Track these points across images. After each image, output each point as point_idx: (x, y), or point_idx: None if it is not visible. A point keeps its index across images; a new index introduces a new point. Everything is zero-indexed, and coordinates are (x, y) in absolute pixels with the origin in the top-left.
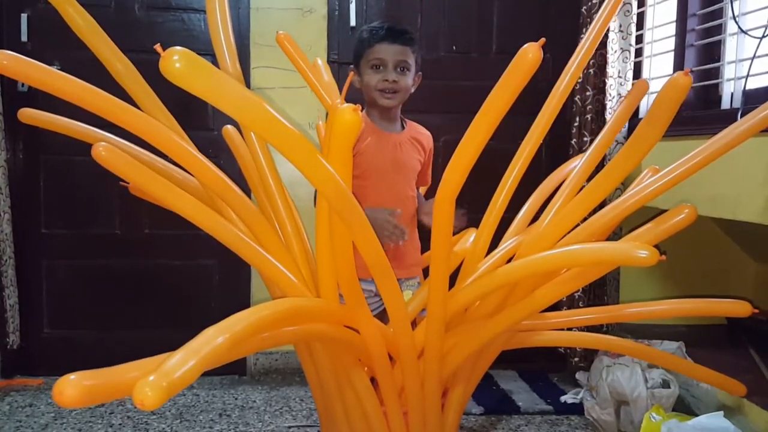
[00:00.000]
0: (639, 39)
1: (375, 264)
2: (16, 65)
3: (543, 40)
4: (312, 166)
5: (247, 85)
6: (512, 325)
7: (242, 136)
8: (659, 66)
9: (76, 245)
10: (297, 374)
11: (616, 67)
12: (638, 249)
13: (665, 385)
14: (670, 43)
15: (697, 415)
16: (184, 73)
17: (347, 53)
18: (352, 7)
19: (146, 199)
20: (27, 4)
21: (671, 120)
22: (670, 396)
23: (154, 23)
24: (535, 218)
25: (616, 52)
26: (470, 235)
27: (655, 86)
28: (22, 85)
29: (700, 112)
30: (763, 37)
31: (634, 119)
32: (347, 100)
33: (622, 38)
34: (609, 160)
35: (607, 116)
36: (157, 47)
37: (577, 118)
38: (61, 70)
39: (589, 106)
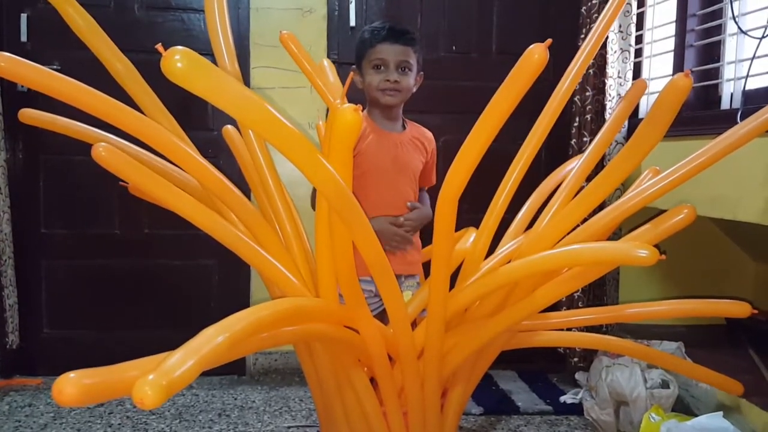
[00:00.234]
0: (639, 39)
1: (375, 264)
2: (14, 67)
3: (549, 41)
4: (312, 166)
5: (247, 85)
6: (512, 325)
7: (242, 136)
8: (659, 66)
9: (76, 245)
10: (296, 374)
11: (616, 67)
12: (638, 248)
13: (664, 385)
14: (670, 44)
15: (696, 416)
16: (185, 73)
17: (347, 53)
18: (352, 7)
19: (146, 199)
20: (27, 4)
21: (671, 121)
22: (670, 396)
23: (154, 23)
24: (535, 219)
25: (615, 52)
26: (470, 235)
27: (655, 87)
28: (22, 85)
29: (700, 112)
30: (763, 37)
31: (634, 120)
32: (349, 100)
33: (622, 38)
34: (608, 160)
35: (607, 117)
36: (159, 47)
37: (577, 119)
38: (60, 70)
39: (589, 107)
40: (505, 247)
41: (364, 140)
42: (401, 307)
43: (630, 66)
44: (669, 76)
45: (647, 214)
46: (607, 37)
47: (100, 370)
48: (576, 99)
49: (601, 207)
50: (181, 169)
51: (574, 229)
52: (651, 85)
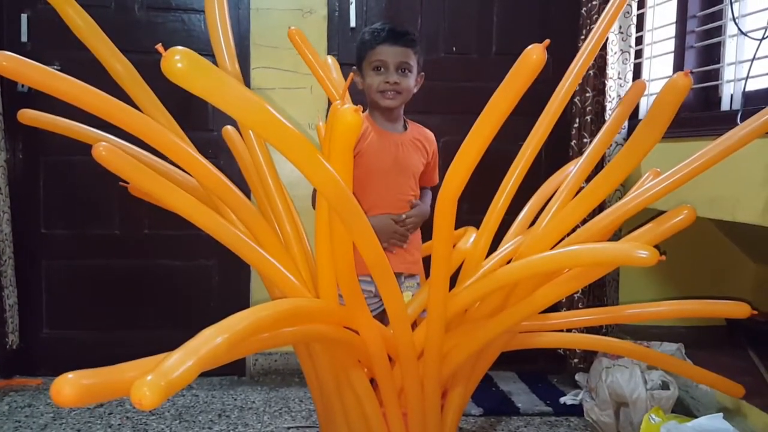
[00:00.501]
0: (639, 40)
1: (375, 265)
2: (15, 66)
3: (547, 41)
4: (312, 166)
5: (247, 85)
6: (512, 325)
7: (242, 137)
8: (659, 68)
9: (76, 245)
10: (296, 375)
11: (616, 68)
12: (638, 249)
13: (665, 386)
14: (670, 45)
15: (696, 417)
16: (185, 73)
17: (347, 54)
18: (352, 8)
19: (146, 199)
20: (27, 5)
21: (671, 121)
22: (670, 397)
23: (154, 23)
24: (535, 220)
25: (615, 53)
26: (471, 235)
27: (655, 88)
28: (22, 85)
29: (700, 113)
30: (763, 38)
31: (633, 120)
32: (354, 101)
33: (622, 40)
34: (608, 161)
35: (607, 118)
36: (159, 47)
37: (577, 120)
38: (61, 70)
39: (589, 108)
40: (505, 246)
41: (365, 140)
42: (401, 307)
43: (630, 67)
44: (669, 77)
45: (647, 215)
46: (608, 39)
47: (99, 370)
48: (576, 100)
49: (601, 208)
50: (181, 169)
51: (574, 229)
52: (651, 86)
